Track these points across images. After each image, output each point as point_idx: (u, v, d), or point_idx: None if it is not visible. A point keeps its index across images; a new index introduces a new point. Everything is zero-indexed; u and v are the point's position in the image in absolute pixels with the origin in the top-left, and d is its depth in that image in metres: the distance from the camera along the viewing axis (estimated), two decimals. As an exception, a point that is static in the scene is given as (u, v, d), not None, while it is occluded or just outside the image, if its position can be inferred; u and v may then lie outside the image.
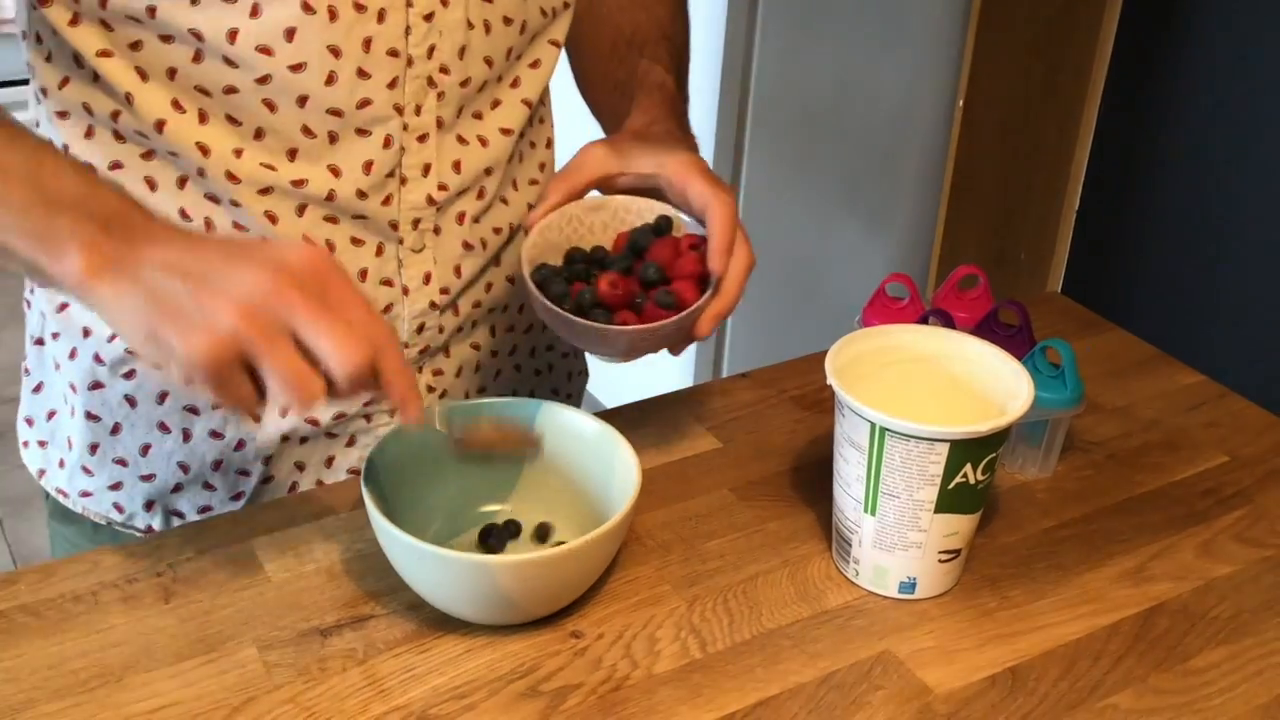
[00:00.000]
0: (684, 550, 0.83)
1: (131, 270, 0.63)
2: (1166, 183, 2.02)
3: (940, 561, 0.78)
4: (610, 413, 0.97)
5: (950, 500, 0.75)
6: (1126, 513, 0.89)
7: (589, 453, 0.82)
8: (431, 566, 0.73)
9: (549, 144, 0.96)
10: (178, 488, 0.89)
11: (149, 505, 0.90)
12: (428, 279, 0.86)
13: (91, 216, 0.64)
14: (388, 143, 0.81)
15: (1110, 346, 1.08)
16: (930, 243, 2.33)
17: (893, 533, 0.77)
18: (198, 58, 0.76)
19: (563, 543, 0.74)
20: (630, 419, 0.96)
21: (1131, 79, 2.06)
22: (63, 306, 0.87)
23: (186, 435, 0.87)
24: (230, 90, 0.77)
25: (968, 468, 0.74)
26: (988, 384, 0.81)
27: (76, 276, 0.63)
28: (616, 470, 0.80)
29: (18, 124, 0.71)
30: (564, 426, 0.83)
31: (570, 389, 1.06)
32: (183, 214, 0.81)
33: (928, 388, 0.82)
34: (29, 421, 0.94)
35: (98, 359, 0.86)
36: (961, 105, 2.06)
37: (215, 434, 0.87)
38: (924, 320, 0.93)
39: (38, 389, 0.92)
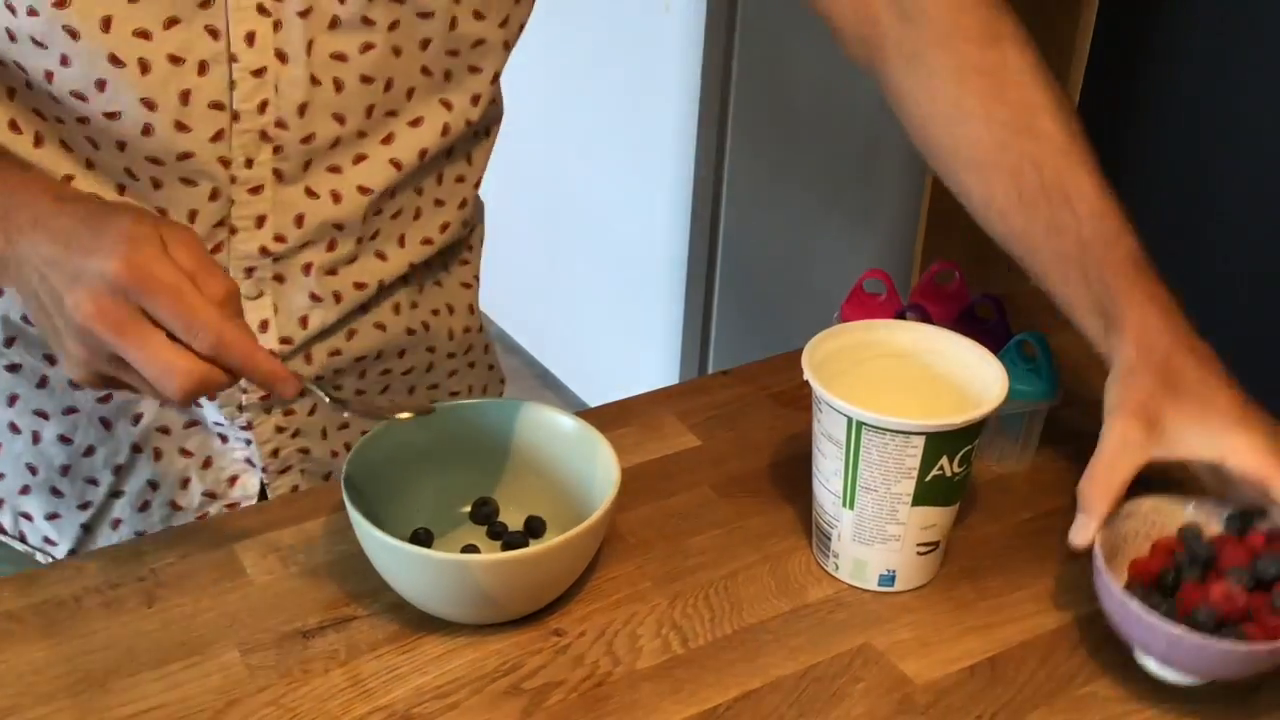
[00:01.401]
0: (665, 547, 0.84)
1: (15, 267, 0.65)
2: (1148, 177, 2.03)
3: (919, 554, 0.79)
4: (591, 412, 0.97)
5: (927, 493, 0.76)
6: (1104, 503, 0.90)
7: (570, 452, 0.82)
8: (411, 566, 0.73)
9: (463, 204, 0.91)
10: (25, 489, 0.88)
11: None
12: (264, 326, 0.83)
13: None
14: (214, 195, 0.78)
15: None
16: (912, 240, 2.34)
17: (871, 526, 0.78)
18: (30, 85, 0.75)
19: (528, 538, 0.74)
20: (611, 417, 0.96)
21: (1111, 73, 2.07)
22: None
23: (35, 438, 0.86)
24: (59, 120, 0.76)
25: (944, 460, 0.75)
26: (963, 377, 0.81)
27: None
28: (597, 468, 0.80)
29: None
30: (545, 425, 0.83)
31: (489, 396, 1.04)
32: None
33: (904, 382, 0.83)
34: None
35: None
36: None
37: (64, 438, 0.86)
38: (901, 315, 0.94)
39: None
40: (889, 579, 0.79)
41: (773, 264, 2.24)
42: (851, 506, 0.77)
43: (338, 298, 0.85)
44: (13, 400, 0.85)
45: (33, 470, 0.87)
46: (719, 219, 2.14)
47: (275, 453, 0.89)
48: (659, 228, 2.17)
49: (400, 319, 0.91)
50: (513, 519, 0.84)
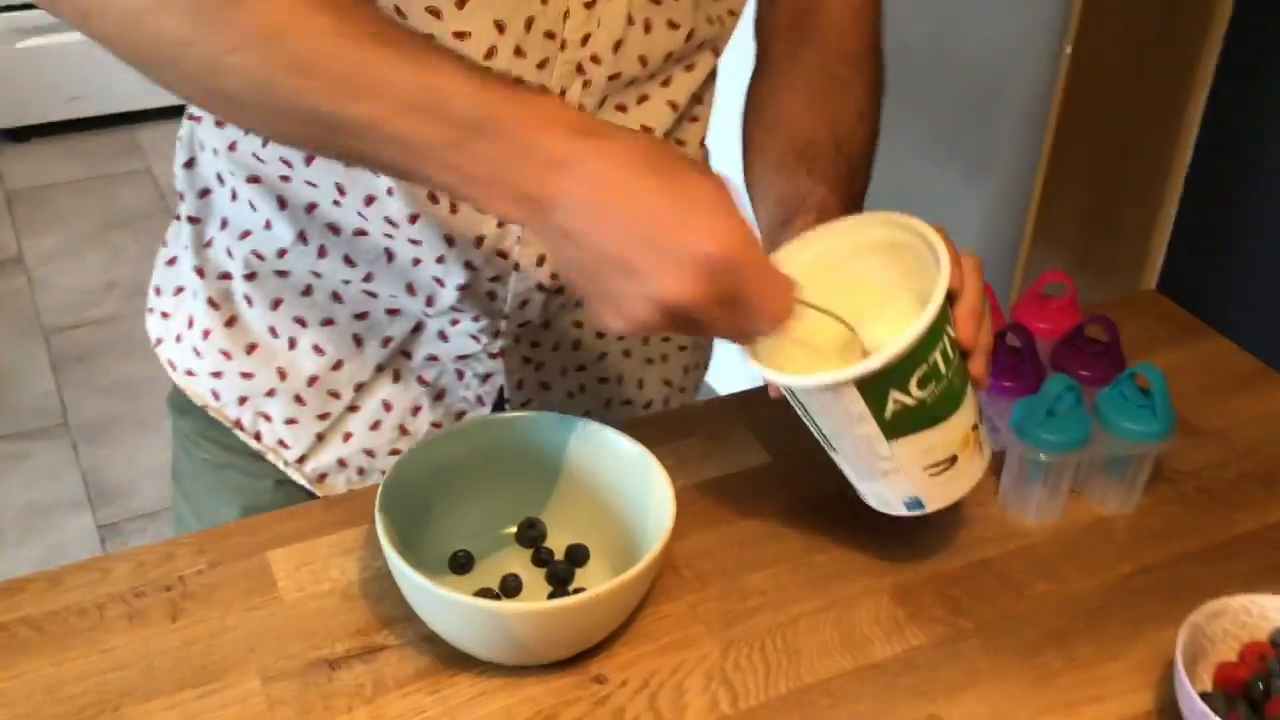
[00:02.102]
0: (723, 584, 0.78)
1: (548, 215, 0.62)
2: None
3: (933, 475, 0.72)
4: (655, 417, 0.91)
5: (901, 424, 0.69)
6: (1215, 558, 0.81)
7: (624, 478, 0.76)
8: (442, 608, 0.68)
9: (701, 144, 0.91)
10: (271, 392, 0.89)
11: (242, 400, 0.91)
12: (541, 260, 0.83)
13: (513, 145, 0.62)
14: None
15: (1208, 357, 0.99)
16: (1028, 200, 2.21)
17: (863, 465, 0.73)
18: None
19: (574, 568, 0.68)
20: (675, 425, 0.90)
21: (1255, 27, 1.90)
22: (204, 193, 0.87)
23: (291, 344, 0.88)
24: None
25: (895, 394, 0.68)
26: (924, 268, 0.72)
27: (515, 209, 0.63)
28: (651, 503, 0.74)
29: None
30: (600, 446, 0.77)
31: (685, 382, 1.01)
32: (308, 158, 0.79)
33: (881, 287, 0.74)
34: (157, 290, 0.95)
35: (229, 253, 0.87)
36: (1069, 52, 1.93)
37: (318, 349, 0.87)
38: (1001, 336, 0.85)
39: (171, 262, 0.93)
40: (916, 503, 0.74)
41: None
42: (836, 450, 0.74)
43: None
44: (276, 304, 0.87)
45: (282, 375, 0.89)
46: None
47: (520, 384, 0.89)
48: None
49: None
50: (560, 543, 0.78)
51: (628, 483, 0.76)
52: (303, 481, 0.92)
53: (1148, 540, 0.82)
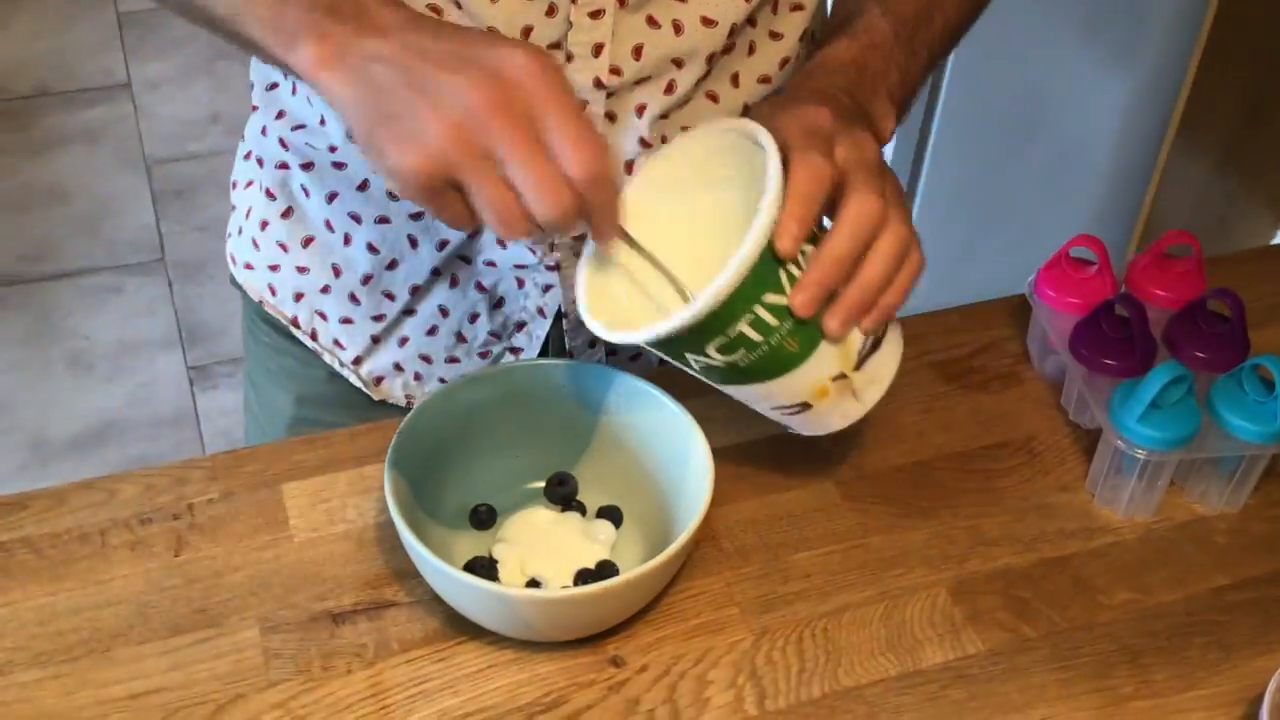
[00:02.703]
0: (764, 561, 0.71)
1: (355, 63, 0.60)
2: None
3: (786, 414, 0.68)
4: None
5: (721, 376, 0.66)
6: (1327, 577, 0.72)
7: (663, 438, 0.70)
8: (445, 581, 0.63)
9: (804, 37, 0.80)
10: (325, 289, 0.86)
11: (298, 296, 0.88)
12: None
13: (318, 4, 0.60)
14: (551, 11, 0.71)
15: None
16: (1178, 86, 2.04)
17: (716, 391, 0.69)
18: None
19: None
20: (738, 370, 0.82)
21: None
22: (272, 86, 0.84)
23: (346, 240, 0.84)
24: None
25: (691, 357, 0.64)
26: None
27: (307, 68, 0.60)
28: (690, 470, 0.67)
29: None
30: (636, 402, 0.70)
31: None
32: None
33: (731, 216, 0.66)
34: (234, 184, 0.93)
35: (283, 144, 0.84)
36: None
37: (372, 247, 0.83)
38: (1110, 307, 0.75)
39: (247, 156, 0.90)
40: (785, 427, 0.71)
41: (1006, 100, 1.98)
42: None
43: (665, 141, 0.76)
44: (332, 198, 0.83)
45: (336, 272, 0.85)
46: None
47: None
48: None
49: None
50: (592, 502, 0.72)
51: (666, 445, 0.69)
52: (359, 384, 0.89)
53: (1250, 549, 0.73)
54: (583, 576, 0.67)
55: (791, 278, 0.62)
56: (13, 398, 2.08)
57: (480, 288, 0.83)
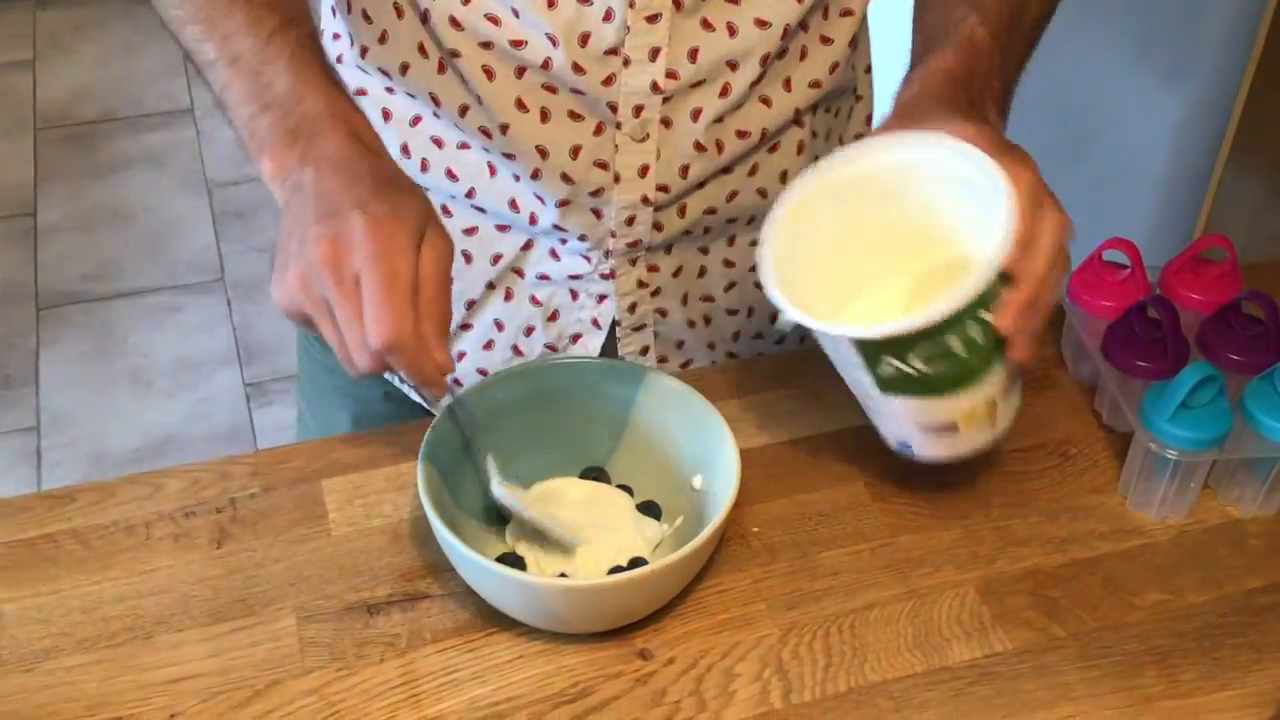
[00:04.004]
0: (793, 558, 0.72)
1: (289, 186, 0.66)
2: None
3: (927, 432, 0.67)
4: (751, 362, 0.84)
5: (897, 386, 0.65)
6: (1363, 581, 0.71)
7: (693, 435, 0.71)
8: (475, 570, 0.64)
9: (853, 42, 0.82)
10: None
11: None
12: (644, 171, 0.78)
13: (284, 122, 0.66)
14: (608, 16, 0.72)
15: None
16: (1231, 102, 2.02)
17: (860, 400, 0.69)
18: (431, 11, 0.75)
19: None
20: (771, 374, 0.83)
21: None
22: None
23: None
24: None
25: (891, 360, 0.63)
26: (961, 208, 0.66)
27: (264, 176, 0.67)
28: (719, 471, 0.68)
29: None
30: (665, 400, 0.71)
31: None
32: (420, 49, 0.77)
33: (898, 220, 0.69)
34: None
35: None
36: (1291, -51, 1.73)
37: None
38: (1142, 309, 0.75)
39: None
40: (905, 447, 0.70)
41: (1059, 117, 1.97)
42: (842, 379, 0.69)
43: (720, 147, 0.79)
44: None
45: None
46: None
47: (632, 308, 0.84)
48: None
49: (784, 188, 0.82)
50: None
51: (696, 442, 0.70)
52: (417, 398, 0.89)
53: (1285, 552, 0.73)
54: (613, 569, 0.68)
55: (997, 296, 0.63)
56: (76, 412, 2.13)
57: (535, 301, 0.84)
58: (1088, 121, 2.00)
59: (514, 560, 0.69)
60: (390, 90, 0.81)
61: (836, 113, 0.86)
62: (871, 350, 0.64)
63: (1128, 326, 0.75)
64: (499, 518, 0.71)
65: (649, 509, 0.72)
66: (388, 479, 0.75)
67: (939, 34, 0.75)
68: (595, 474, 0.73)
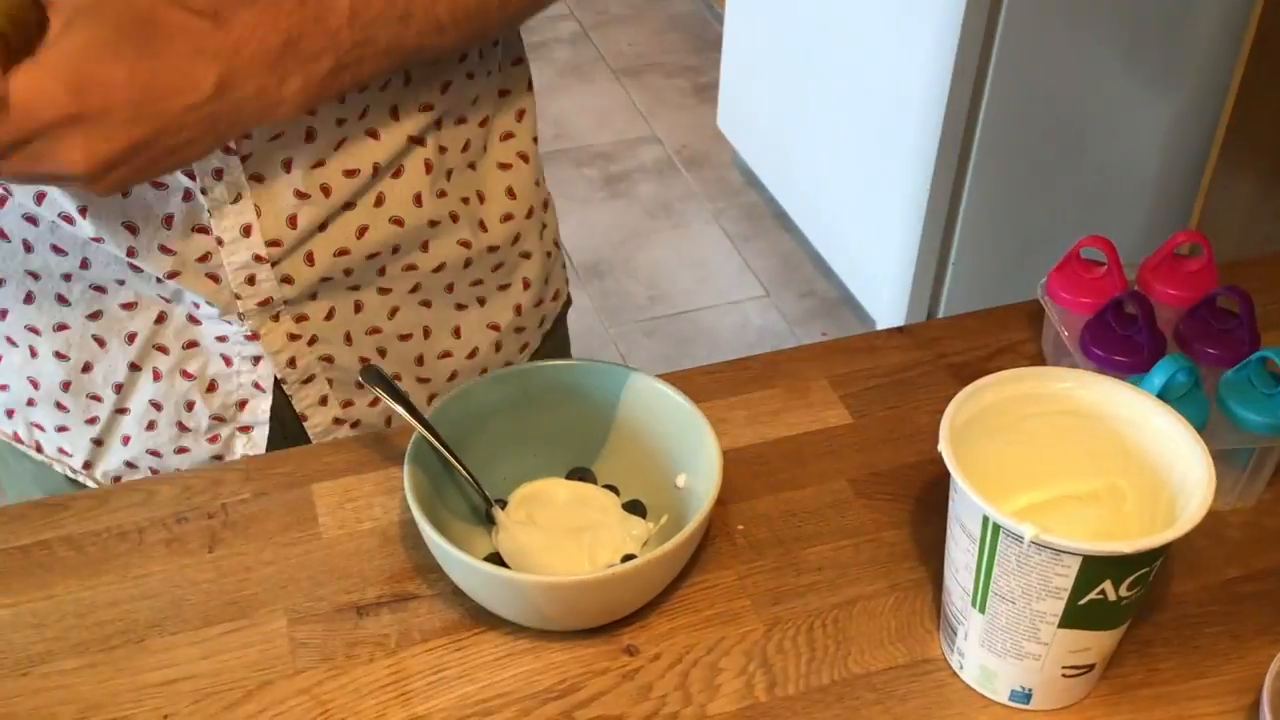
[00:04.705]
0: (778, 555, 0.72)
1: None
2: None
3: (1065, 676, 0.63)
4: (736, 364, 0.85)
5: (1081, 616, 0.60)
6: (1341, 569, 0.72)
7: (676, 434, 0.72)
8: (462, 570, 0.65)
9: (482, 56, 0.78)
10: (30, 401, 0.83)
11: (9, 413, 0.84)
12: (248, 230, 0.73)
13: None
14: None
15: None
16: (1219, 107, 2.03)
17: (1005, 638, 0.62)
18: None
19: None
20: (756, 374, 0.84)
21: None
22: None
23: (32, 353, 0.80)
24: None
25: (1106, 585, 0.58)
26: (1161, 456, 0.63)
27: None
28: (702, 465, 0.69)
29: None
30: (649, 399, 0.73)
31: (522, 322, 0.89)
32: None
33: (1085, 449, 0.66)
34: None
35: None
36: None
37: (60, 354, 0.79)
38: (1119, 305, 0.76)
39: None
40: (1023, 696, 0.64)
41: (1048, 124, 1.99)
42: (982, 610, 0.62)
43: (326, 191, 0.74)
44: (3, 315, 0.79)
45: (34, 384, 0.82)
46: (986, 71, 1.90)
47: (292, 362, 0.80)
48: (916, 71, 1.95)
49: (422, 211, 0.78)
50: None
51: (679, 441, 0.71)
52: (94, 486, 0.85)
53: (1263, 542, 0.74)
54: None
55: None
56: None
57: (187, 375, 0.80)
58: (1079, 127, 2.01)
59: (501, 561, 0.70)
60: None
61: (467, 121, 0.80)
62: (1099, 571, 0.58)
63: (1105, 322, 0.76)
64: (486, 519, 0.72)
65: (635, 508, 0.73)
66: (376, 483, 0.77)
67: None
68: (581, 474, 0.74)
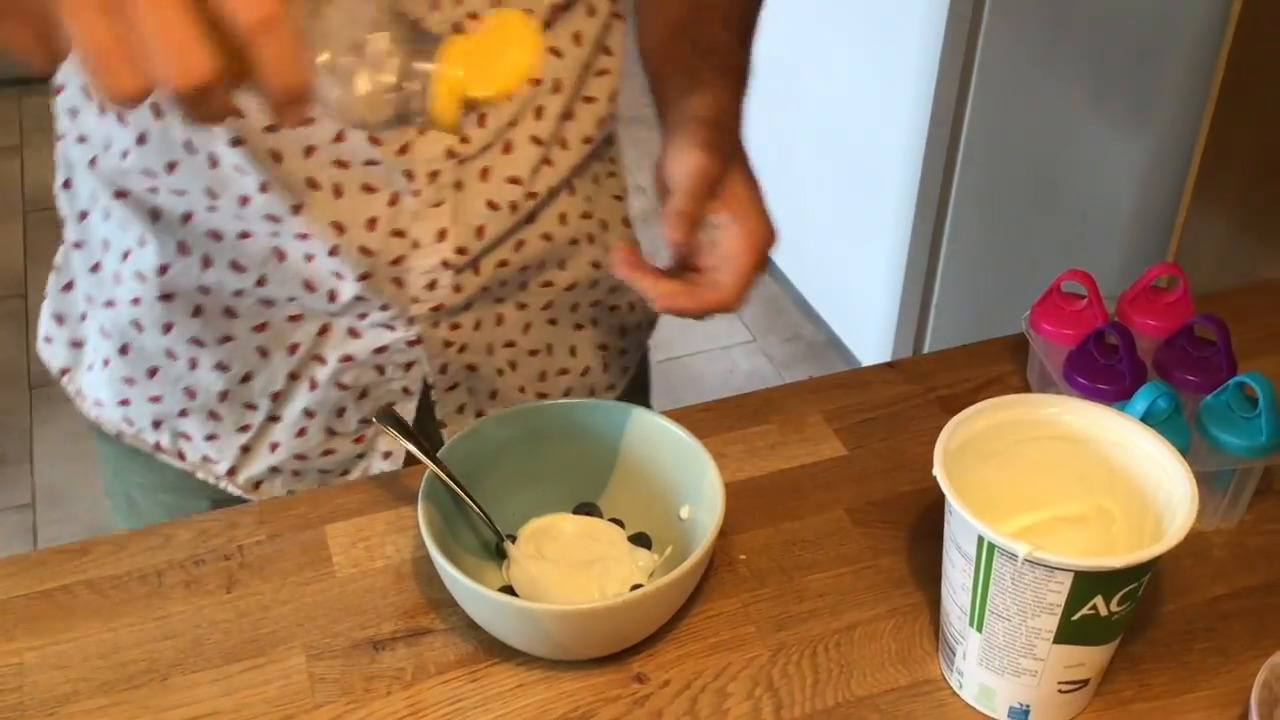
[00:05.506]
0: (779, 584, 0.75)
1: None
2: None
3: (1061, 692, 0.66)
4: (731, 401, 0.88)
5: (1075, 632, 0.62)
6: (1322, 584, 0.75)
7: (679, 468, 0.74)
8: (477, 602, 0.67)
9: (612, 97, 0.84)
10: (183, 413, 0.86)
11: (157, 424, 0.88)
12: (442, 235, 0.78)
13: None
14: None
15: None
16: (1190, 148, 2.08)
17: (1002, 656, 0.65)
18: None
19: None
20: (751, 410, 0.87)
21: None
22: (83, 215, 0.84)
23: (193, 364, 0.84)
24: None
25: (1098, 600, 0.61)
26: (1147, 479, 0.66)
27: None
28: (705, 497, 0.71)
29: None
30: (652, 435, 0.75)
31: (624, 344, 0.96)
32: (188, 146, 0.75)
33: (1074, 473, 0.69)
34: (58, 319, 0.91)
35: (116, 277, 0.83)
36: (1239, -2, 1.80)
37: (221, 365, 0.83)
38: (1099, 335, 0.79)
39: (66, 288, 0.90)
40: (1021, 713, 0.67)
41: (1021, 167, 2.03)
42: (980, 629, 0.65)
43: (514, 207, 0.81)
44: (168, 328, 0.83)
45: (190, 394, 0.85)
46: (963, 116, 1.94)
47: (444, 369, 0.85)
48: (895, 119, 1.99)
49: (566, 229, 0.86)
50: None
51: (683, 475, 0.74)
52: (237, 492, 0.88)
53: (1246, 560, 0.76)
54: (606, 599, 0.71)
55: None
56: (70, 488, 2.15)
57: (341, 385, 0.84)
58: (1055, 168, 2.06)
59: (513, 593, 0.72)
60: (154, 190, 0.77)
61: (596, 178, 0.88)
62: (1091, 586, 0.60)
63: (1087, 353, 0.80)
64: (497, 554, 0.75)
65: (640, 540, 0.76)
66: (388, 522, 0.79)
67: (684, 81, 0.78)
68: (588, 509, 0.77)
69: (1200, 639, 0.72)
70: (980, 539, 0.61)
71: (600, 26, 0.80)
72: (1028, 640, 0.63)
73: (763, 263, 0.74)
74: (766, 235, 0.75)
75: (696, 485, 0.72)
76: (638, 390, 1.00)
